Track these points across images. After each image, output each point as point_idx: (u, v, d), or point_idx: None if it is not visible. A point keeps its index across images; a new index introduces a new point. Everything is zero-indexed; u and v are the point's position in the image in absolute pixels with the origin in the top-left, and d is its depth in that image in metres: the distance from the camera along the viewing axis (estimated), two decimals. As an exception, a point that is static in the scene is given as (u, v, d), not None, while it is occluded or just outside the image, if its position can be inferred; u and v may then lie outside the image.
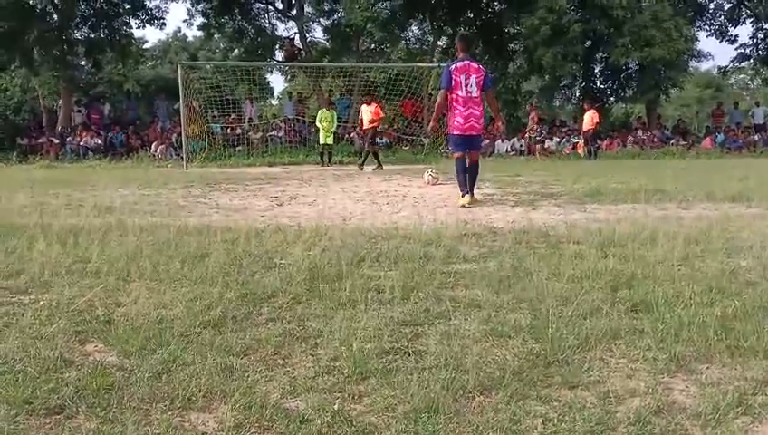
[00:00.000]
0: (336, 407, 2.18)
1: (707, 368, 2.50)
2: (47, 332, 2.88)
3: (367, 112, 17.57)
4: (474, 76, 8.03)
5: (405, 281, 3.71)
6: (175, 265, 4.11)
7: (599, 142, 22.98)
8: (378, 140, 19.89)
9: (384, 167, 16.78)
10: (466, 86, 8.00)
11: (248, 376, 2.44)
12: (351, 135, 23.32)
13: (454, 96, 8.07)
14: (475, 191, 8.30)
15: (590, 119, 21.55)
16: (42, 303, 3.38)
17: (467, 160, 8.29)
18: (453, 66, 8.11)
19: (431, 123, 9.02)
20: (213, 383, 2.34)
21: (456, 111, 8.09)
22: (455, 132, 8.23)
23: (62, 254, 4.51)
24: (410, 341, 2.80)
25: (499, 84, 29.50)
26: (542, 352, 2.60)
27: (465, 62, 8.10)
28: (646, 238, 4.94)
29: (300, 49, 27.29)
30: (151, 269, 4.01)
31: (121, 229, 5.65)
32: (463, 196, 8.04)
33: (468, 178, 8.17)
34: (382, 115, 18.13)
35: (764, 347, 2.60)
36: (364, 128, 17.83)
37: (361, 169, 16.68)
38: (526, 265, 4.07)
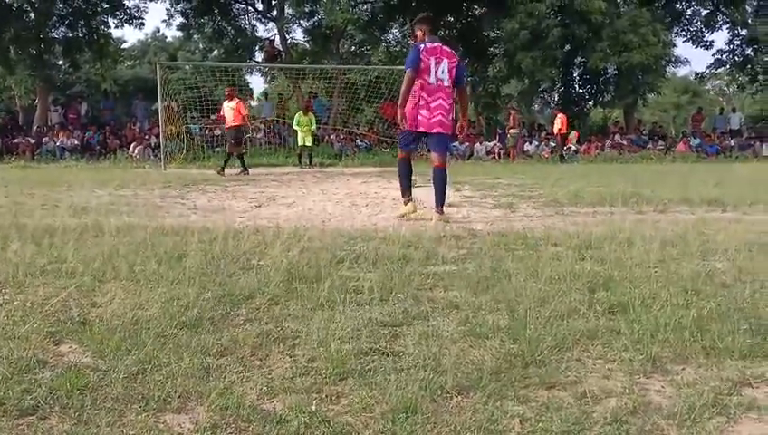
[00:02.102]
0: (314, 408, 2.16)
1: (683, 369, 2.51)
2: (21, 332, 2.84)
3: (228, 109, 15.88)
4: (446, 61, 6.64)
5: (383, 282, 3.70)
6: (151, 265, 4.07)
7: (568, 146, 23.31)
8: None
9: (249, 171, 15.75)
10: (436, 72, 6.60)
11: (225, 377, 2.42)
12: (331, 136, 23.33)
13: (420, 82, 6.63)
14: (446, 205, 6.94)
15: (558, 123, 21.91)
16: (15, 303, 3.32)
17: (433, 166, 6.87)
18: (422, 46, 6.67)
19: (399, 111, 6.84)
20: (189, 384, 2.32)
21: (422, 101, 6.63)
22: (418, 128, 6.71)
23: (36, 254, 4.45)
24: (388, 341, 2.79)
25: (479, 88, 29.70)
26: (520, 352, 2.60)
27: (437, 44, 6.72)
28: (623, 241, 4.96)
29: (280, 50, 27.25)
30: (127, 269, 3.97)
31: (97, 230, 5.58)
32: (405, 202, 6.77)
33: (434, 189, 6.77)
34: (245, 113, 16.23)
35: (739, 348, 2.63)
36: (226, 126, 16.26)
37: (221, 174, 15.01)
38: (504, 267, 4.07)
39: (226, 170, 15.56)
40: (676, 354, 2.61)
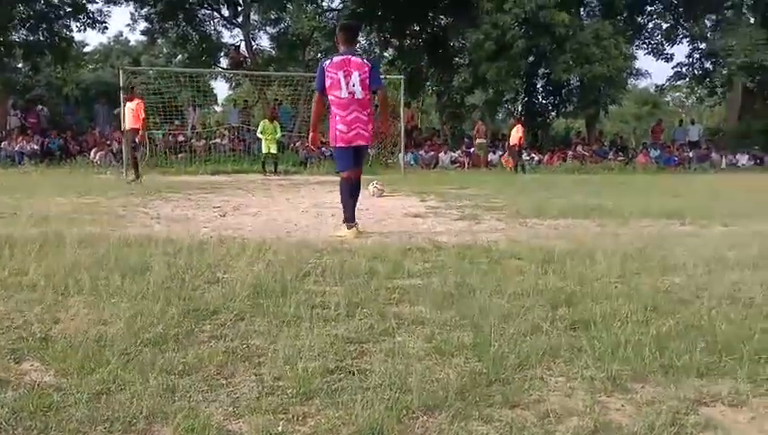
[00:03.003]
0: (280, 429, 2.17)
1: (643, 387, 2.57)
2: (-19, 350, 2.80)
3: (128, 111, 14.87)
4: (356, 73, 6.48)
5: (350, 297, 3.72)
6: (115, 279, 4.03)
7: (530, 156, 23.65)
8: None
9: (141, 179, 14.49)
10: (347, 85, 6.48)
11: (190, 397, 2.41)
12: (297, 144, 23.27)
13: (332, 98, 6.56)
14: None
15: (515, 133, 22.03)
16: (-26, 320, 3.27)
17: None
18: (327, 62, 6.61)
19: (311, 134, 7.18)
20: (154, 405, 2.31)
21: (338, 117, 6.55)
22: (339, 144, 6.61)
23: (-5, 267, 4.38)
24: (355, 359, 2.80)
25: (444, 97, 29.91)
26: (485, 371, 2.64)
27: (344, 56, 6.55)
28: (584, 255, 5.05)
29: (245, 57, 27.12)
30: (90, 283, 3.92)
31: (59, 240, 5.50)
32: (349, 227, 6.53)
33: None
34: (143, 116, 14.73)
35: (696, 367, 2.69)
36: (125, 129, 15.32)
37: (134, 182, 14.29)
38: (469, 282, 4.12)
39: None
40: (636, 373, 2.67)
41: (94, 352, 2.79)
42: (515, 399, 2.42)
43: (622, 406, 2.41)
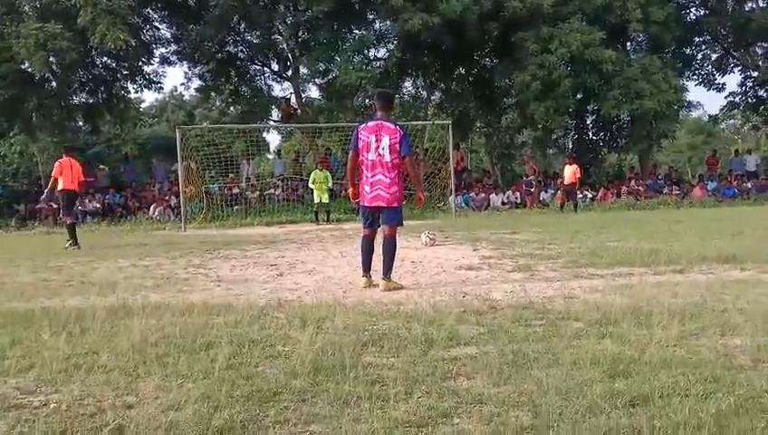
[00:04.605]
0: None
1: (704, 474, 2.56)
2: (60, 444, 2.95)
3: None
4: (387, 138, 6.97)
5: (407, 371, 3.78)
6: (181, 357, 4.18)
7: (583, 194, 23.49)
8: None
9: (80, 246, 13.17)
10: (377, 148, 6.99)
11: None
12: (348, 191, 23.59)
13: (362, 159, 7.12)
14: (394, 274, 7.22)
15: (571, 173, 21.92)
16: (52, 406, 3.43)
17: (383, 235, 7.26)
18: (362, 126, 7.20)
19: (350, 190, 7.65)
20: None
21: (363, 178, 7.16)
22: (363, 203, 7.23)
23: (68, 346, 4.58)
24: (416, 446, 2.85)
25: (493, 138, 29.99)
26: (544, 459, 2.67)
27: (378, 121, 7.09)
28: (642, 313, 5.03)
29: (296, 108, 27.73)
30: (158, 363, 4.08)
31: (125, 311, 5.74)
32: (362, 276, 7.25)
33: (383, 256, 7.15)
34: (83, 178, 13.73)
35: (758, 450, 2.67)
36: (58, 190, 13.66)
37: (70, 248, 13.07)
38: (525, 350, 4.14)
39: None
40: (698, 458, 2.66)
41: (166, 443, 2.90)
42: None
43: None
